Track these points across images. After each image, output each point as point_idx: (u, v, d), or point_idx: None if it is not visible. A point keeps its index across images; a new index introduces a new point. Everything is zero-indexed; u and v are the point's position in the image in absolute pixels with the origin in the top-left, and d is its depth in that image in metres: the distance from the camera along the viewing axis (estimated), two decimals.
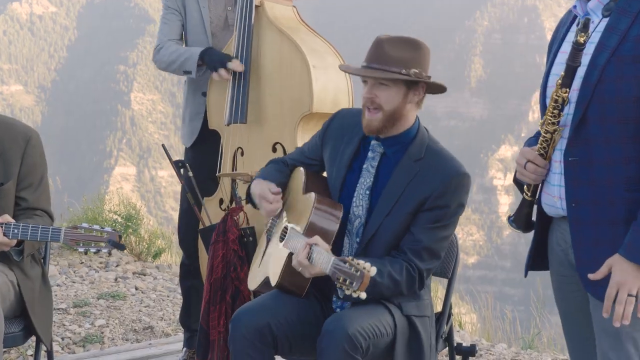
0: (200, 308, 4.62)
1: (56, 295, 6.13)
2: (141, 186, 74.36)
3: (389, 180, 3.35)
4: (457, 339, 4.00)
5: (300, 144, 4.01)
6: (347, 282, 2.92)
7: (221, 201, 4.45)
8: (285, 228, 3.44)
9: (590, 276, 2.73)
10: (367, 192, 3.38)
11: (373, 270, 2.92)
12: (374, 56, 3.29)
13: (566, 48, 2.82)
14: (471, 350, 3.62)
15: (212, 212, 4.40)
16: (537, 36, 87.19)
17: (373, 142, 3.41)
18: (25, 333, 3.72)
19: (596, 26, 2.79)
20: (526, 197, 2.98)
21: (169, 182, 75.32)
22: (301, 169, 3.58)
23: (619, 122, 2.70)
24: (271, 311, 3.30)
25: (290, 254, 3.29)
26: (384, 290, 3.23)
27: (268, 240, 3.64)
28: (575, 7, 2.88)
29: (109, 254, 3.66)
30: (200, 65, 4.39)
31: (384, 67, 3.26)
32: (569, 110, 2.79)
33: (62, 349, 5.27)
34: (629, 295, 2.65)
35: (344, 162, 3.44)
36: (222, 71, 4.27)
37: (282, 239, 3.42)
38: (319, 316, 3.38)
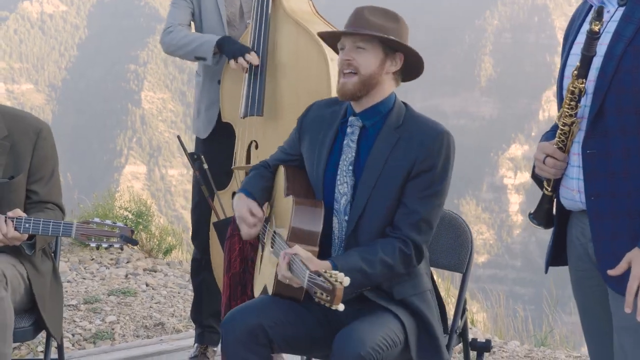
0: (211, 303, 4.60)
1: (67, 291, 6.11)
2: (151, 185, 74.46)
3: (371, 151, 3.28)
4: (470, 335, 3.95)
5: None
6: (325, 296, 2.82)
7: (234, 195, 4.41)
8: (274, 233, 3.39)
9: (610, 272, 2.68)
10: (350, 167, 3.30)
11: (346, 281, 2.81)
12: (354, 22, 3.26)
13: (582, 39, 2.77)
14: (486, 345, 3.57)
15: (225, 205, 4.37)
16: (547, 35, 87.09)
17: (351, 118, 3.34)
18: (35, 328, 3.68)
19: (612, 15, 2.74)
20: (546, 192, 2.93)
21: (179, 181, 75.42)
22: (281, 168, 3.52)
23: (635, 113, 2.66)
24: (262, 311, 3.23)
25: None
26: (377, 279, 3.18)
27: (263, 246, 3.58)
28: None
29: (121, 249, 3.62)
30: (216, 53, 4.35)
31: (363, 30, 3.22)
32: (586, 102, 2.75)
33: (73, 345, 5.24)
34: None
35: (325, 147, 3.36)
36: (241, 59, 4.23)
37: (272, 245, 3.37)
38: (320, 314, 3.31)
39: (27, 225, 3.45)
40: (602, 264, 2.75)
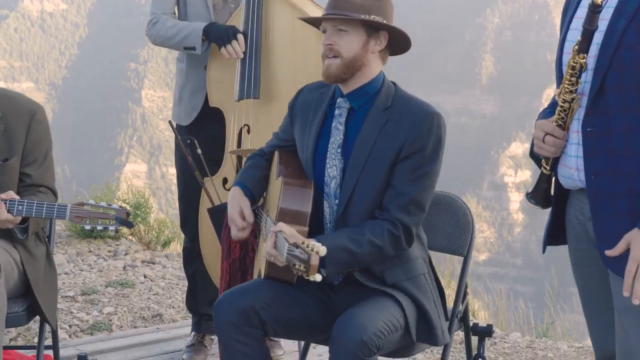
0: (206, 291, 4.55)
1: (64, 283, 6.07)
2: (152, 183, 74.41)
3: (359, 133, 3.23)
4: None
5: None
6: (302, 267, 2.80)
7: (225, 180, 4.36)
8: (267, 217, 3.36)
9: (608, 252, 2.65)
10: (339, 150, 3.25)
11: (322, 250, 2.79)
12: (334, 3, 3.19)
13: (581, 13, 2.73)
14: (488, 330, 3.52)
15: (218, 191, 4.31)
16: (548, 33, 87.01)
17: (339, 100, 3.29)
18: (28, 313, 3.64)
19: None
20: (544, 171, 2.88)
21: None
22: (276, 152, 3.48)
23: (637, 90, 2.62)
24: (254, 293, 3.19)
25: None
26: (366, 259, 3.14)
27: (260, 232, 3.55)
28: None
29: (116, 231, 3.56)
30: (204, 40, 4.27)
31: (343, 12, 3.15)
32: (586, 78, 2.70)
33: (70, 336, 5.20)
34: None
35: (313, 130, 3.32)
36: (229, 48, 4.17)
37: (265, 230, 3.33)
38: (317, 296, 3.28)
39: (20, 207, 3.40)
40: (600, 244, 2.70)
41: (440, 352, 3.58)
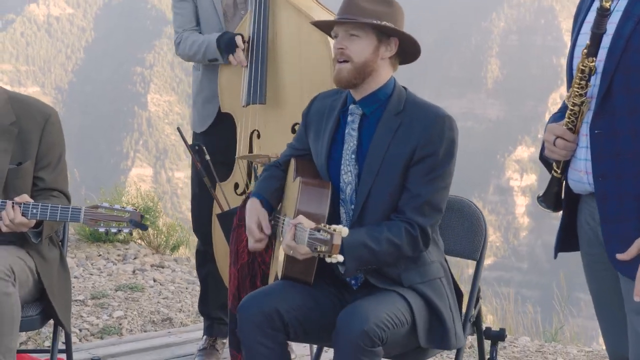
0: (218, 294, 4.56)
1: (74, 287, 6.07)
2: (158, 187, 74.46)
3: (373, 138, 3.25)
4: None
5: None
6: (324, 249, 2.85)
7: (236, 185, 4.37)
8: (284, 221, 3.37)
9: (619, 256, 2.65)
10: (353, 156, 3.28)
11: (345, 231, 2.85)
12: (346, 9, 3.23)
13: (592, 17, 2.73)
14: (500, 334, 3.52)
15: (227, 197, 4.32)
16: (553, 37, 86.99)
17: (351, 106, 3.32)
18: (42, 317, 3.64)
19: None
20: (555, 174, 2.88)
21: (186, 184, 75.34)
22: (292, 159, 3.50)
23: None
24: (278, 296, 3.21)
25: None
26: (385, 257, 3.15)
27: (276, 238, 3.56)
28: None
29: (130, 233, 3.56)
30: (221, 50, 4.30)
31: (355, 17, 3.19)
32: (595, 81, 2.70)
33: (80, 340, 5.21)
34: None
35: (326, 137, 3.35)
36: (231, 57, 4.20)
37: (282, 233, 3.34)
38: (335, 300, 3.30)
39: (34, 210, 3.41)
40: (609, 247, 2.70)
41: (453, 356, 3.58)
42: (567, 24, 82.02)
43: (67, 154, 3.81)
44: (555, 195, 2.94)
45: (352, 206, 3.28)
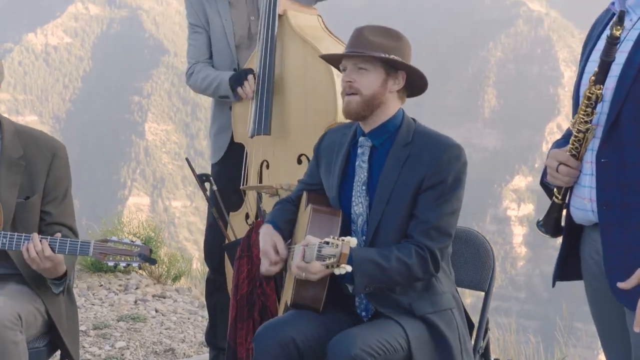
0: (226, 325, 4.54)
1: None
2: (155, 216, 74.43)
3: (382, 170, 3.28)
4: None
5: None
6: (333, 260, 2.88)
7: (247, 216, 4.38)
8: (294, 250, 3.37)
9: (620, 285, 2.61)
10: (364, 187, 3.31)
11: (353, 242, 2.90)
12: (354, 43, 3.26)
13: (601, 45, 2.73)
14: None
15: (238, 227, 4.33)
16: (550, 67, 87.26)
17: (361, 139, 3.35)
18: (49, 348, 3.62)
19: (634, 23, 2.70)
20: (556, 200, 2.88)
21: (183, 213, 75.38)
22: (304, 192, 3.52)
23: None
24: (295, 326, 3.21)
25: None
26: (395, 276, 3.15)
27: (286, 270, 3.56)
28: (613, 4, 2.80)
29: (139, 267, 3.54)
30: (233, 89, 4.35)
31: (364, 51, 3.23)
32: (602, 109, 2.70)
33: None
34: None
35: (337, 170, 3.37)
36: (240, 90, 4.25)
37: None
38: (345, 327, 3.27)
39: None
40: (611, 276, 2.69)
41: None
42: (563, 54, 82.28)
43: None
44: (555, 221, 2.93)
45: (364, 237, 3.29)
